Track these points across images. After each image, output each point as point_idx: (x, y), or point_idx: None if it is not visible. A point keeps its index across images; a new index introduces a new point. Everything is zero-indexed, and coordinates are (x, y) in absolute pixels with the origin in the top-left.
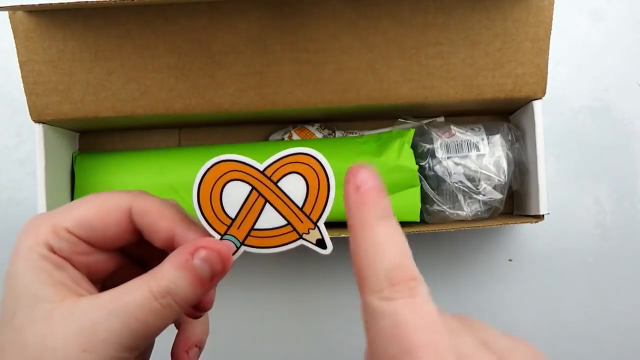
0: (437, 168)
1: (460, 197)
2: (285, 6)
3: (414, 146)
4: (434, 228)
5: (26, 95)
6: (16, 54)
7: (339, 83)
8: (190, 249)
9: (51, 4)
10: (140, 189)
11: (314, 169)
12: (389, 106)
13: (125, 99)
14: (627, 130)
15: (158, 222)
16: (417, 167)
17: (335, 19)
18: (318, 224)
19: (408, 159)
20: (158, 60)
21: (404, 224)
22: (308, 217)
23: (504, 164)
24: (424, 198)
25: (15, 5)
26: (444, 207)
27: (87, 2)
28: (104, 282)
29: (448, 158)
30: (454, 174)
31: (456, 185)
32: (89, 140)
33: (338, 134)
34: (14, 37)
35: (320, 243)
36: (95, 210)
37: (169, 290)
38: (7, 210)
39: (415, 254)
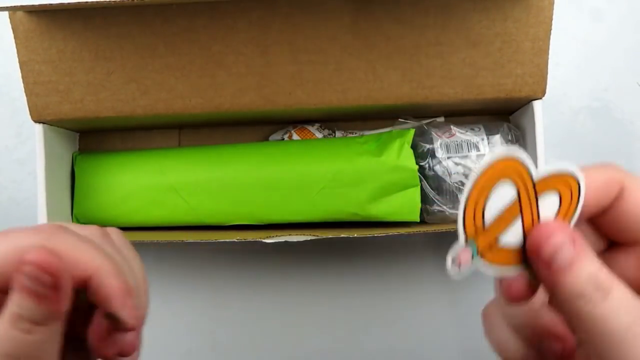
0: (437, 168)
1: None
2: (285, 6)
3: (414, 146)
4: (434, 228)
5: (26, 95)
6: (16, 54)
7: (339, 83)
8: (19, 269)
9: (51, 4)
10: (140, 189)
11: (571, 193)
12: (389, 106)
13: (125, 99)
14: (627, 130)
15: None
16: (417, 167)
17: (335, 19)
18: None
19: (408, 159)
20: (158, 61)
21: (403, 224)
22: None
23: None
24: (424, 198)
25: (15, 6)
26: (444, 207)
27: (87, 2)
28: None
29: (448, 158)
30: (454, 174)
31: (456, 185)
32: (89, 140)
33: (338, 134)
34: (14, 37)
35: None
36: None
37: (20, 315)
38: (7, 210)
39: (415, 254)
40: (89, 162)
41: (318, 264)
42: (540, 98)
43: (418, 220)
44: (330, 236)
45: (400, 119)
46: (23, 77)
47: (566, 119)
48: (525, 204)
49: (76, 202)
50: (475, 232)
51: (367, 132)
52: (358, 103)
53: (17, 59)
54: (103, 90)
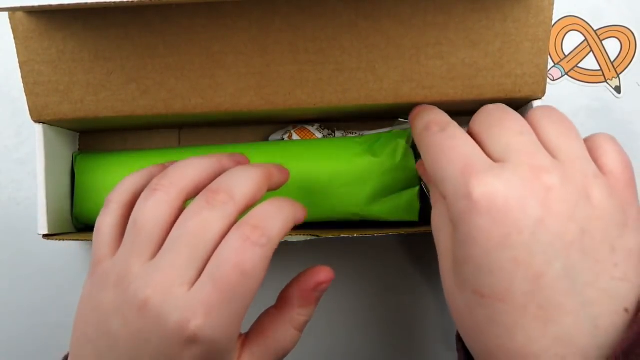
0: None
1: None
2: (285, 6)
3: (413, 146)
4: None
5: (26, 95)
6: (16, 54)
7: (339, 83)
8: (312, 286)
9: (51, 5)
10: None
11: (627, 38)
12: (389, 106)
13: (125, 99)
14: (627, 130)
15: None
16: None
17: (335, 20)
18: (620, 75)
19: (408, 159)
20: (158, 61)
21: (403, 224)
22: (615, 69)
23: None
24: (424, 198)
25: (15, 7)
26: None
27: (86, 3)
28: None
29: None
30: None
31: None
32: (89, 140)
33: (338, 134)
34: (14, 38)
35: (617, 89)
36: None
37: (305, 322)
38: (7, 210)
39: (415, 254)
40: (89, 162)
41: (318, 264)
42: (540, 98)
43: (417, 220)
44: (330, 236)
45: (400, 119)
46: (23, 78)
47: None
48: (592, 44)
49: (76, 202)
50: (560, 60)
51: (366, 132)
52: (358, 103)
53: (16, 59)
54: (103, 90)
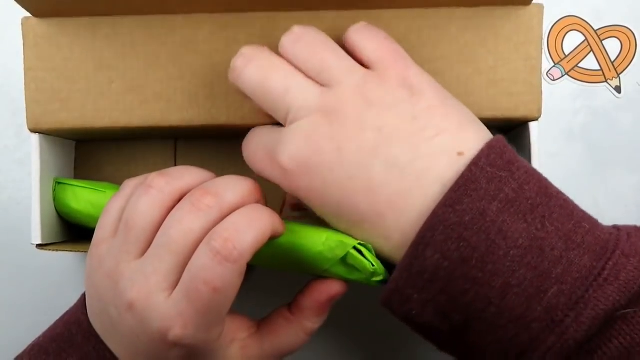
0: None
1: None
2: (285, 21)
3: None
4: None
5: (26, 101)
6: (23, 60)
7: None
8: (325, 299)
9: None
10: None
11: (628, 38)
12: None
13: (124, 109)
14: (627, 130)
15: None
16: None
17: (332, 37)
18: (621, 75)
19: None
20: (159, 70)
21: None
22: (615, 68)
23: None
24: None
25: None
26: None
27: None
28: None
29: None
30: None
31: None
32: (86, 149)
33: None
34: (24, 44)
35: (618, 89)
36: None
37: (316, 329)
38: (7, 210)
39: None
40: (65, 197)
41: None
42: (537, 119)
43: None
44: None
45: None
46: (25, 84)
47: (566, 120)
48: (593, 44)
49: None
50: (561, 60)
51: None
52: None
53: (17, 59)
54: (102, 99)
